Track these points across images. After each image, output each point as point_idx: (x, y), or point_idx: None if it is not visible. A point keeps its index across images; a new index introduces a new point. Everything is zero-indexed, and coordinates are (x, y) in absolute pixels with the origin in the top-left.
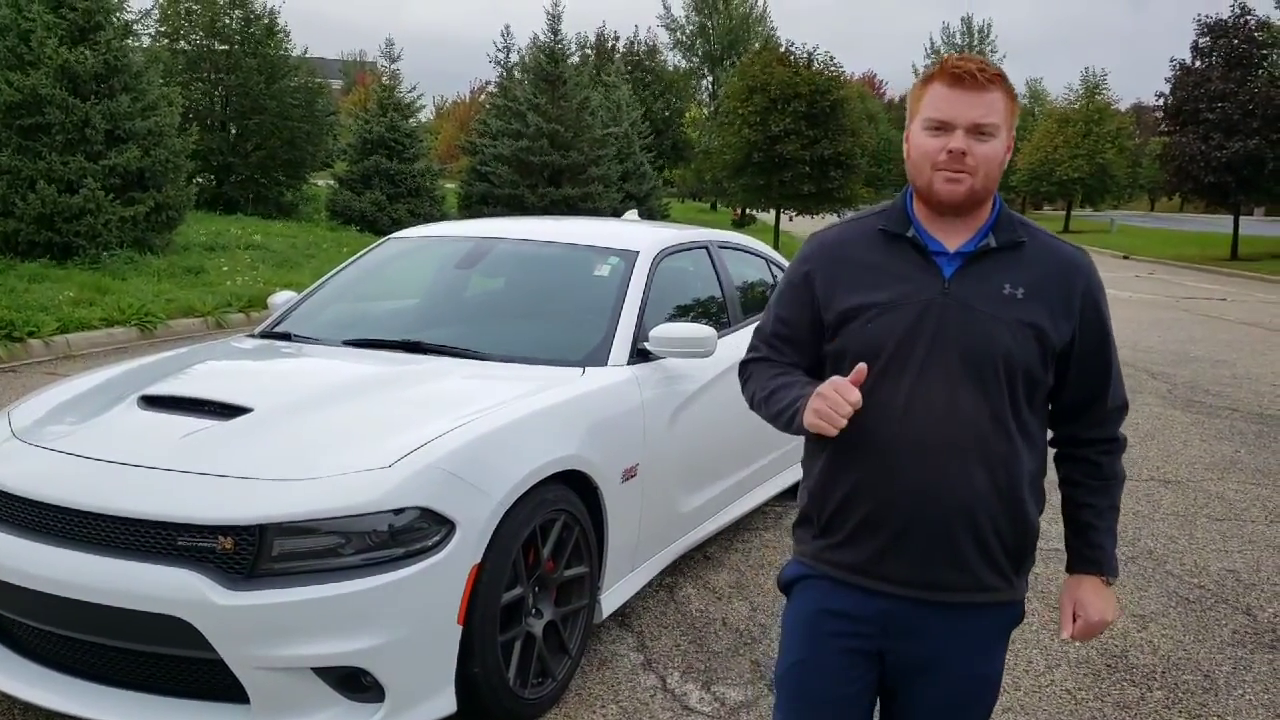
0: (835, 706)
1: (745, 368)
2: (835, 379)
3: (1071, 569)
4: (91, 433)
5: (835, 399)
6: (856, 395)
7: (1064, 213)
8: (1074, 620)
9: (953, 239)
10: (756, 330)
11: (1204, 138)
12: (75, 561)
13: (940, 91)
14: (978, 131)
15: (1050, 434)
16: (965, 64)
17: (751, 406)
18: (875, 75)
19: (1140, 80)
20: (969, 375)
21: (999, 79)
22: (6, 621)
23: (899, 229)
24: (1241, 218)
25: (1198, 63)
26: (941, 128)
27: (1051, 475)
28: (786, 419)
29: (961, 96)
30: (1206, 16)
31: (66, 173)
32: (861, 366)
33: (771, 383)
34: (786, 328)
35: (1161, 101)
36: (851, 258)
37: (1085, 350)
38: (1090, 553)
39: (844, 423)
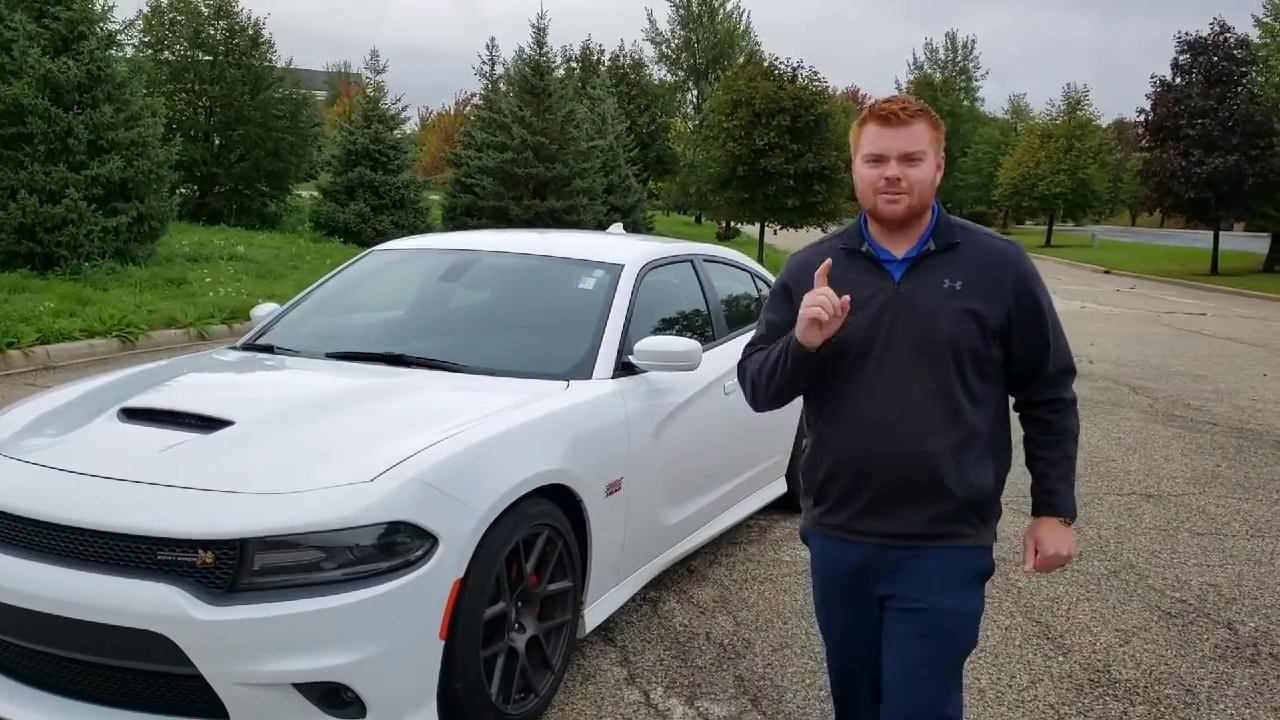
0: (849, 638)
1: (742, 366)
2: (822, 286)
3: (1033, 512)
4: (71, 446)
5: (818, 297)
6: (846, 299)
7: (1046, 227)
8: (1035, 555)
9: (899, 247)
10: (748, 345)
11: (1184, 153)
12: (54, 576)
13: (873, 131)
14: (908, 159)
15: (1011, 400)
16: (890, 106)
17: (754, 391)
18: (859, 90)
19: (1115, 96)
20: (920, 358)
21: (921, 113)
22: None
23: (856, 245)
24: (1221, 233)
25: (1178, 79)
26: (878, 160)
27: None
28: (781, 359)
29: (890, 133)
30: (1187, 34)
31: (48, 183)
32: (847, 298)
33: (761, 356)
34: (774, 330)
35: (1143, 117)
36: (805, 277)
37: (1023, 326)
38: (1046, 497)
39: (831, 309)
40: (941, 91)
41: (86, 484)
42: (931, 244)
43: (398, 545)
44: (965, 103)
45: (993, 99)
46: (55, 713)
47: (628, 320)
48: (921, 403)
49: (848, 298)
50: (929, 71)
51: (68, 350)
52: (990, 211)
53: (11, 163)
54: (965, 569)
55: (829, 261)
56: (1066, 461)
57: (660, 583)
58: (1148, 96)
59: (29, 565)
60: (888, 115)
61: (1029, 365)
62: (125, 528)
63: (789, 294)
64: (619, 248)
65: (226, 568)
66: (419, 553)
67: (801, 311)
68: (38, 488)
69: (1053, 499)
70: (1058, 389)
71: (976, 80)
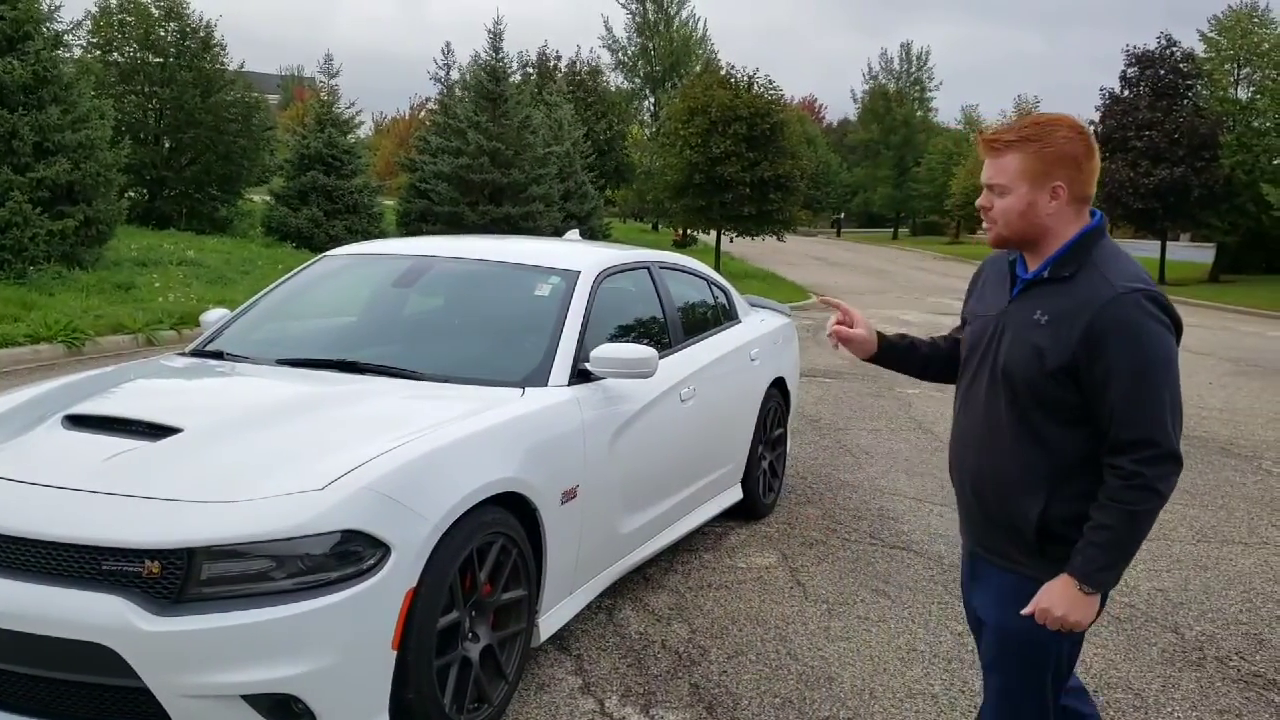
0: (970, 626)
1: None
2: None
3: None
4: (13, 453)
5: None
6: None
7: None
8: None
9: (1031, 267)
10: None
11: (1132, 164)
12: None
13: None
14: (994, 189)
15: None
16: (986, 135)
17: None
18: (816, 99)
19: (1061, 108)
20: (994, 382)
21: (1017, 144)
22: None
23: (1011, 256)
24: (1168, 243)
25: (1126, 92)
26: (984, 187)
27: None
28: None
29: (986, 161)
30: (1135, 47)
31: None
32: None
33: None
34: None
35: (1092, 129)
36: (983, 276)
37: (1090, 379)
38: (1074, 553)
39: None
40: (896, 102)
41: (29, 492)
42: (1046, 271)
43: (349, 554)
44: (919, 113)
45: (944, 110)
46: None
47: (584, 327)
48: (986, 423)
49: (856, 323)
50: (883, 82)
51: (11, 355)
52: (944, 221)
53: None
54: (1021, 592)
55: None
56: (1107, 531)
57: (616, 590)
58: (1097, 108)
59: None
60: (982, 144)
61: (1100, 421)
62: (69, 538)
63: (967, 294)
64: (575, 254)
65: (173, 578)
66: (371, 562)
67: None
68: None
69: (1074, 556)
70: (1123, 456)
71: (930, 91)
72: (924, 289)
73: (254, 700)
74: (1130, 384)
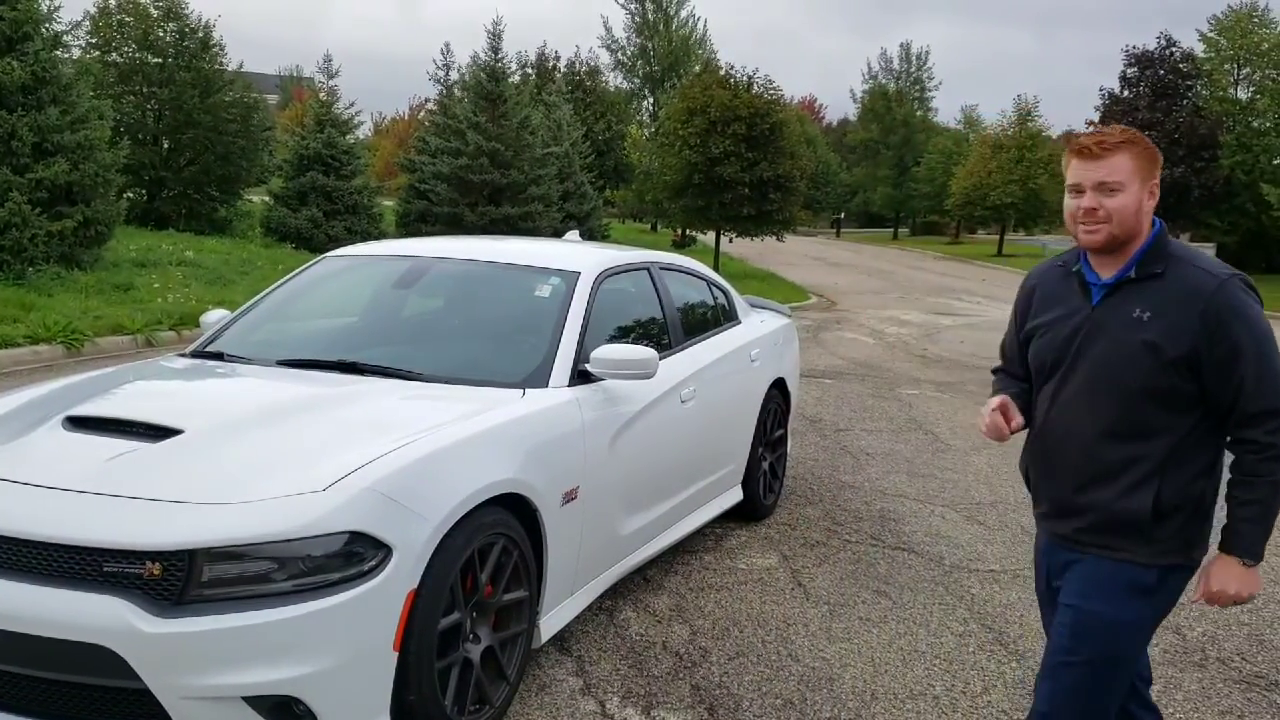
0: (1047, 625)
1: (994, 373)
2: (994, 400)
3: (1219, 546)
4: (14, 454)
5: (991, 425)
6: (1002, 426)
7: (997, 237)
8: (1202, 587)
9: (1106, 271)
10: (1000, 345)
11: None
12: None
13: (1074, 163)
14: (1104, 189)
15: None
16: (1086, 141)
17: None
18: (815, 99)
19: (1057, 109)
20: (1094, 383)
21: (1124, 145)
22: None
23: (1072, 265)
24: None
25: (1126, 92)
26: (1076, 191)
27: None
28: None
29: (1087, 165)
30: (1134, 47)
31: None
32: (1017, 422)
33: (991, 389)
34: (1007, 347)
35: (1091, 129)
36: (1039, 289)
37: (1214, 361)
38: (1226, 534)
39: (988, 428)
40: (896, 101)
41: (30, 494)
42: (1133, 272)
43: (351, 556)
44: (919, 113)
45: (943, 110)
46: None
47: (584, 328)
48: (1087, 425)
49: (1019, 423)
50: (883, 82)
51: (11, 356)
52: (943, 221)
53: None
54: (1117, 579)
55: (1004, 400)
56: (1256, 505)
57: (616, 592)
58: (1096, 109)
59: None
60: (1082, 150)
61: (1223, 401)
62: (70, 539)
63: (1018, 310)
64: (575, 255)
65: (174, 579)
66: (372, 563)
67: (980, 420)
68: None
69: (1234, 537)
70: (1255, 430)
71: (930, 91)
72: (924, 289)
73: (255, 702)
74: (1254, 361)
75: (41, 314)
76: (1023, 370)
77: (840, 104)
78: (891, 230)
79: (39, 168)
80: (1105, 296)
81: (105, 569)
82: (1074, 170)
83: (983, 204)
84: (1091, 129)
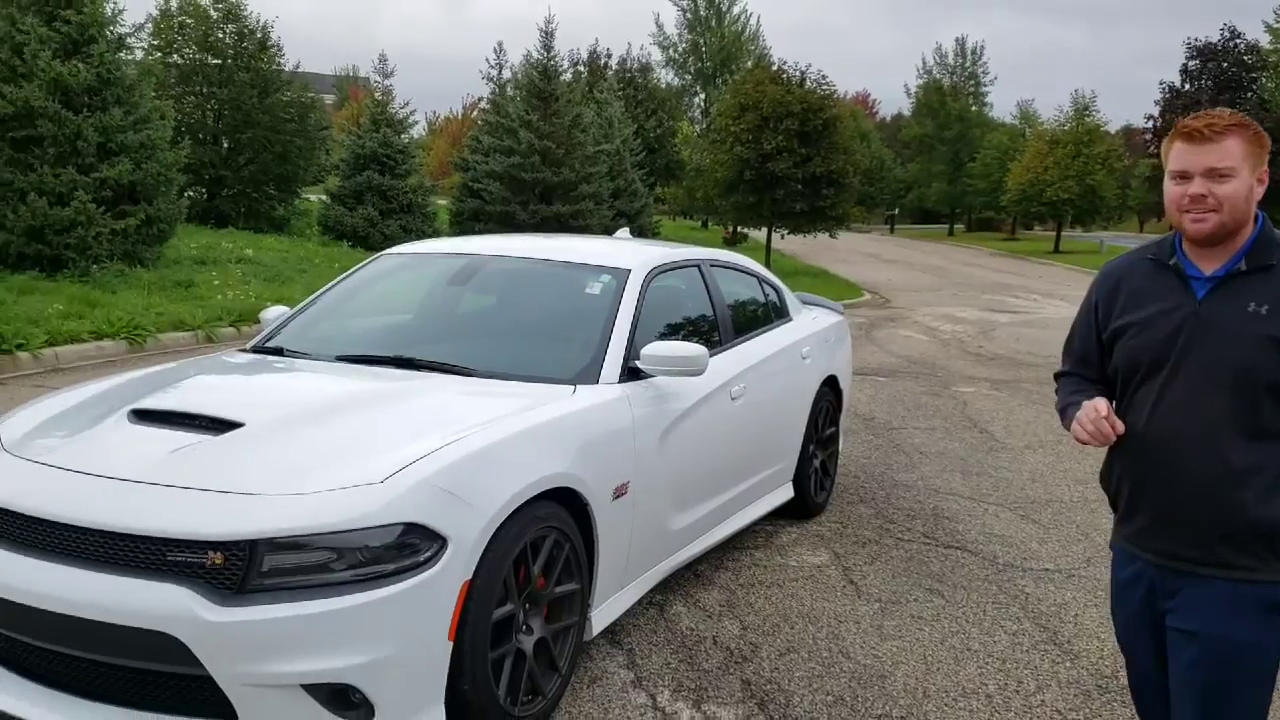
0: (1133, 650)
1: (1056, 379)
2: (1099, 404)
3: None
4: (81, 447)
5: (1094, 426)
6: (1109, 432)
7: (1054, 233)
8: None
9: (1209, 264)
10: (1064, 348)
11: None
12: (65, 576)
13: (1179, 148)
14: (1215, 175)
15: None
16: (1195, 123)
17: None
18: (869, 95)
19: (1114, 103)
20: (1210, 382)
21: (1235, 128)
22: None
23: (1165, 258)
24: None
25: (1187, 85)
26: (1182, 177)
27: None
28: (1066, 427)
29: (1195, 149)
30: (1196, 39)
31: (57, 185)
32: (1119, 425)
33: (1065, 397)
34: (1080, 347)
35: (1151, 124)
36: (1125, 284)
37: None
38: None
39: (1099, 442)
40: (950, 96)
41: (97, 485)
42: (1243, 264)
43: (407, 547)
44: (974, 108)
45: (998, 105)
46: (67, 711)
47: (634, 325)
48: (1205, 427)
49: (1122, 427)
50: (938, 77)
51: (76, 352)
52: (999, 217)
53: (22, 165)
54: (1247, 599)
55: (1107, 404)
56: None
57: (667, 586)
58: (1156, 103)
59: (40, 565)
60: (1192, 133)
61: None
62: (135, 528)
63: (1094, 309)
64: (626, 252)
65: (236, 569)
66: (428, 554)
67: (1074, 426)
68: (48, 488)
69: None
70: None
71: (985, 85)
72: (980, 286)
73: (313, 690)
74: None
75: (106, 310)
76: (1098, 373)
77: (894, 99)
78: (946, 227)
79: (104, 167)
80: (1212, 290)
81: (169, 558)
82: (1180, 155)
83: (1039, 200)
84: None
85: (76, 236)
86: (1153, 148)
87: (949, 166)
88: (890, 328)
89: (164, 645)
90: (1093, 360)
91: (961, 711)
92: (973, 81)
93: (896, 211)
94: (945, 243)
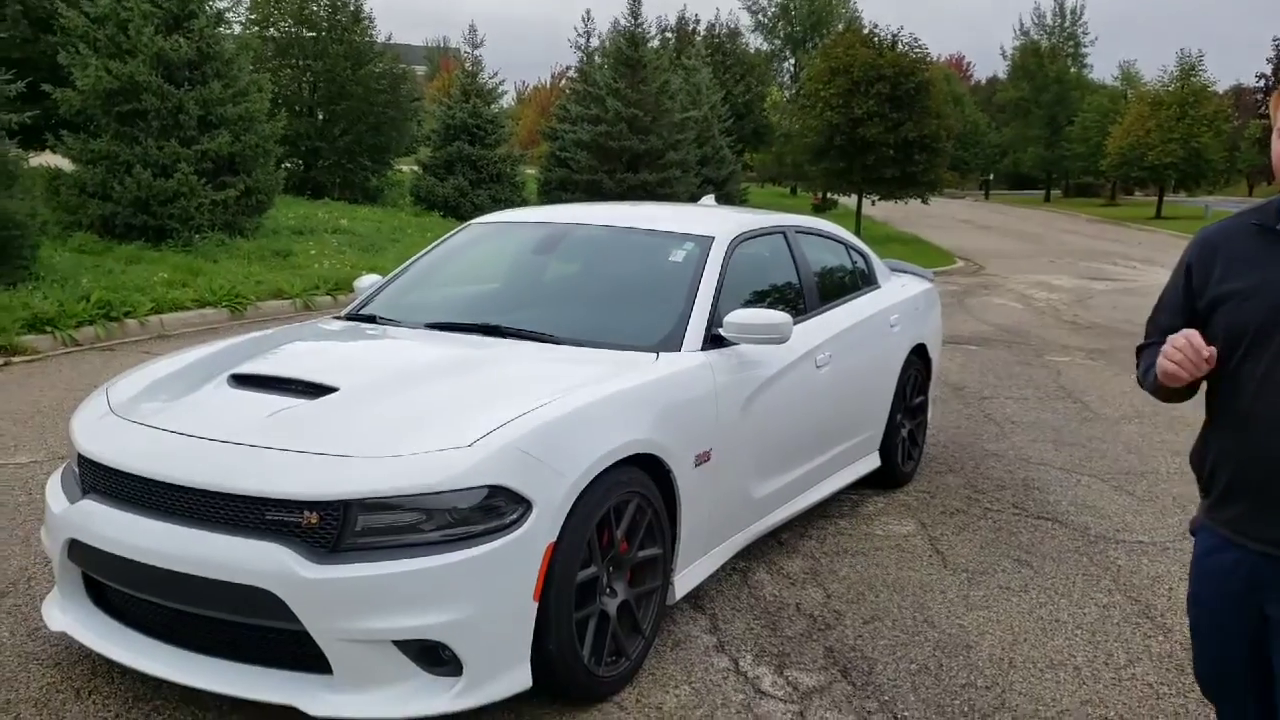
0: (1218, 642)
1: (1138, 353)
2: (1187, 330)
3: None
4: (184, 409)
5: (1182, 343)
6: (1209, 351)
7: (1156, 199)
8: None
9: None
10: (1149, 319)
11: None
12: (168, 533)
13: None
14: None
15: None
16: None
17: (1140, 385)
18: (963, 57)
19: (1223, 62)
20: None
21: None
22: (107, 589)
23: (1271, 222)
24: None
25: None
26: None
27: None
28: (1151, 385)
29: None
30: None
31: (161, 157)
32: (1213, 349)
33: (1148, 362)
34: (1168, 319)
35: (1262, 82)
36: (1224, 251)
37: None
38: None
39: (1190, 368)
40: (1049, 58)
41: (198, 446)
42: None
43: (493, 509)
44: (1073, 69)
45: (1098, 67)
46: (170, 662)
47: (718, 292)
48: None
49: (1213, 351)
50: (1035, 38)
51: (180, 319)
52: (1098, 182)
53: (127, 139)
54: None
55: (1195, 341)
56: None
57: (750, 554)
58: (1269, 59)
59: (145, 522)
60: None
61: None
62: (235, 489)
63: (1188, 277)
64: (710, 220)
65: (331, 528)
66: (513, 517)
67: (1160, 361)
68: (153, 449)
69: None
70: None
71: (1085, 47)
72: (1076, 253)
73: (404, 646)
74: None
75: (207, 279)
76: None
77: (990, 62)
78: (1043, 192)
79: (204, 140)
80: None
81: (267, 517)
82: None
83: (1140, 164)
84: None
85: (179, 207)
86: (1263, 108)
87: (1046, 130)
88: (983, 295)
89: (262, 601)
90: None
91: (1048, 682)
92: (1072, 43)
93: (991, 177)
94: (1041, 209)
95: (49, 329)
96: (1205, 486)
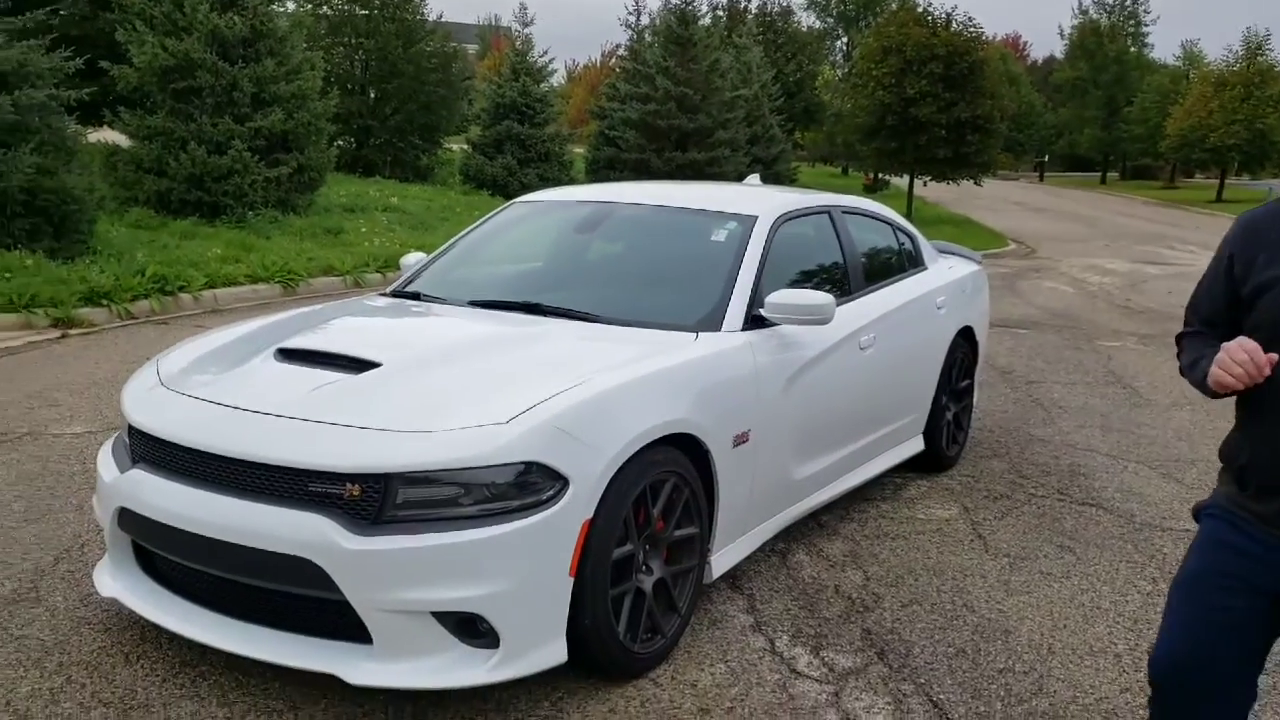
0: (1204, 632)
1: (1178, 340)
2: (1243, 340)
3: None
4: (231, 382)
5: (1243, 358)
6: (1263, 358)
7: (1217, 181)
8: None
9: None
10: (1188, 305)
11: None
12: (214, 503)
13: None
14: None
15: None
16: None
17: (1182, 374)
18: (1020, 36)
19: None
20: None
21: None
22: (156, 557)
23: None
24: None
25: None
26: None
27: None
28: (1198, 381)
29: None
30: None
31: (215, 134)
32: (1273, 355)
33: (1193, 354)
34: (1209, 305)
35: None
36: (1269, 235)
37: None
38: None
39: (1248, 380)
40: (1108, 37)
41: (244, 418)
42: None
43: (530, 485)
44: (1133, 49)
45: (1160, 46)
46: (215, 629)
47: (760, 272)
48: None
49: (1273, 357)
50: (1094, 16)
51: (233, 294)
52: (1156, 164)
53: (182, 115)
54: None
55: (1274, 356)
56: None
57: (789, 535)
58: None
59: (192, 492)
60: None
61: None
62: (279, 460)
63: (1230, 263)
64: (754, 199)
65: (372, 500)
66: (550, 493)
67: (1215, 372)
68: (201, 420)
69: None
70: None
71: (1145, 25)
72: (1132, 236)
73: (442, 617)
74: None
75: (260, 255)
76: (1228, 335)
77: (1047, 41)
78: (1099, 175)
79: (257, 117)
80: None
81: (310, 488)
82: None
83: (1201, 146)
84: None
85: (233, 184)
86: None
87: (1103, 111)
88: (1034, 278)
89: (305, 570)
90: (1221, 321)
91: (1088, 669)
92: (1133, 21)
93: (1046, 158)
94: (1097, 191)
95: (105, 302)
96: (1238, 478)
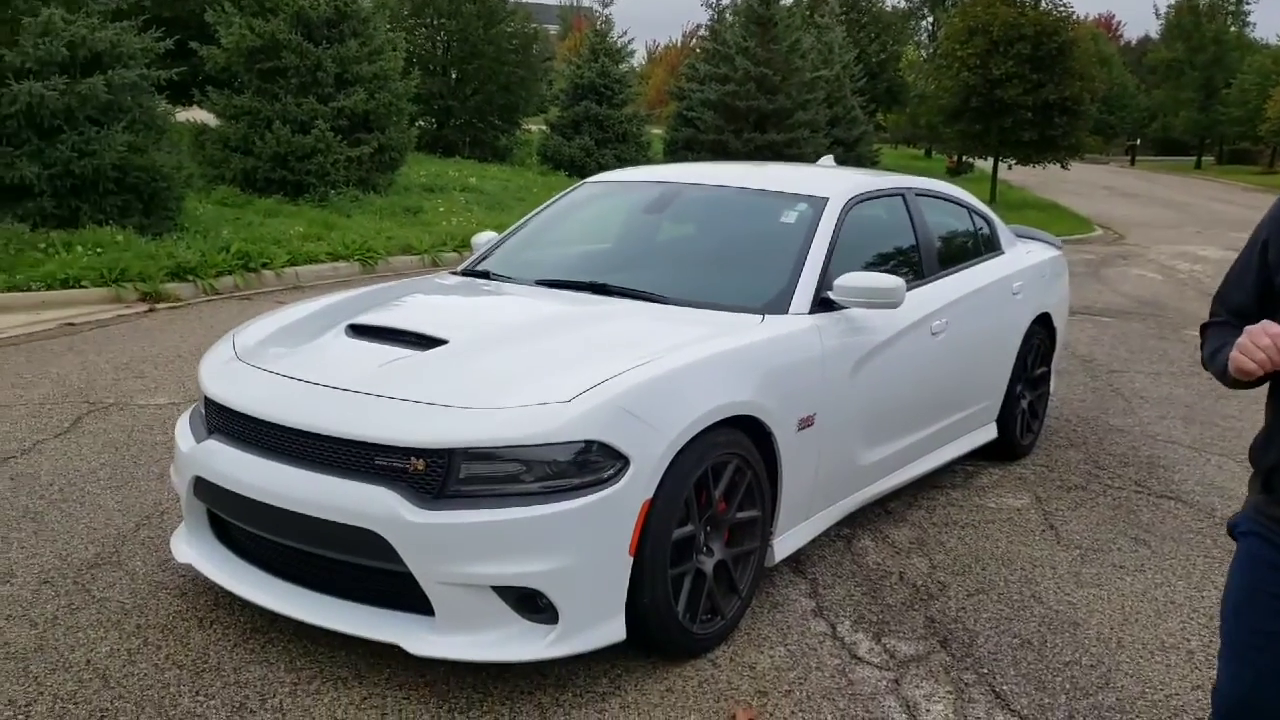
0: (1263, 643)
1: (1203, 331)
2: (1268, 323)
3: None
4: (303, 356)
5: (1266, 343)
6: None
7: None
8: None
9: None
10: (1216, 294)
11: None
12: (285, 474)
13: None
14: None
15: None
16: None
17: (1204, 366)
18: (1113, 16)
19: None
20: None
21: None
22: (230, 526)
23: None
24: None
25: None
26: None
27: None
28: (1219, 371)
29: None
30: None
31: (299, 114)
32: None
33: (1216, 343)
34: (1239, 294)
35: None
36: None
37: None
38: None
39: (1265, 360)
40: (1206, 17)
41: (314, 392)
42: None
43: (591, 463)
44: (1233, 28)
45: (1263, 25)
46: (285, 598)
47: (829, 255)
48: None
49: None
50: None
51: (314, 271)
52: (1255, 148)
53: (268, 95)
54: None
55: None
56: None
57: (855, 521)
58: None
59: (263, 463)
60: None
61: None
62: (348, 433)
63: (1264, 250)
64: (826, 180)
65: (436, 475)
66: (611, 472)
67: (1236, 356)
68: (273, 393)
69: None
70: None
71: (1248, 4)
72: (1227, 223)
73: (503, 592)
74: None
75: (341, 233)
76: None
77: (1142, 21)
78: (1194, 159)
79: (340, 97)
80: None
81: (376, 462)
82: None
83: None
84: None
85: (316, 163)
86: None
87: (1200, 93)
88: (1121, 266)
89: (371, 542)
90: (1251, 312)
91: (1158, 665)
92: (1233, 1)
93: (1138, 142)
94: (1192, 176)
95: (191, 278)
96: (1266, 482)
